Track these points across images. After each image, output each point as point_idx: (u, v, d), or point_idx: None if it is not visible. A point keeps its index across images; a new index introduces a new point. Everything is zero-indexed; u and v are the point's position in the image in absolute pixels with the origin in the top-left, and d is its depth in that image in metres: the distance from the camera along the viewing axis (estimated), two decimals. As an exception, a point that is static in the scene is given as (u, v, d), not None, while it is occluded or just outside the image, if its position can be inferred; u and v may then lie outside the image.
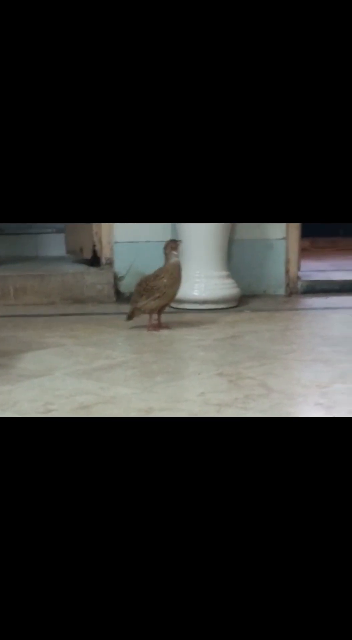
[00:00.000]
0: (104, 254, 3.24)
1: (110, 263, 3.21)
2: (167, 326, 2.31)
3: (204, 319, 2.64)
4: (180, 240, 2.25)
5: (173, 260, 2.21)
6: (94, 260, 3.29)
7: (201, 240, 2.90)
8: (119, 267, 3.21)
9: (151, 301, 2.20)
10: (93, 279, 3.16)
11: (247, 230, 3.25)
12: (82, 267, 3.33)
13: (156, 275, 2.23)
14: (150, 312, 2.29)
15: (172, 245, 2.22)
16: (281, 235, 3.32)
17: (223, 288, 2.90)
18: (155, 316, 2.35)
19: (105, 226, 3.21)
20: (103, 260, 3.24)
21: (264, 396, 1.63)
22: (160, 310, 2.32)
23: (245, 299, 3.08)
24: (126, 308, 2.89)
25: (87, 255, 3.37)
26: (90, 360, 2.00)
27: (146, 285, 2.23)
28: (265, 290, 3.39)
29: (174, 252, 2.22)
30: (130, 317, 2.33)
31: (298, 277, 3.37)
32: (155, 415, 1.47)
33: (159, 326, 2.31)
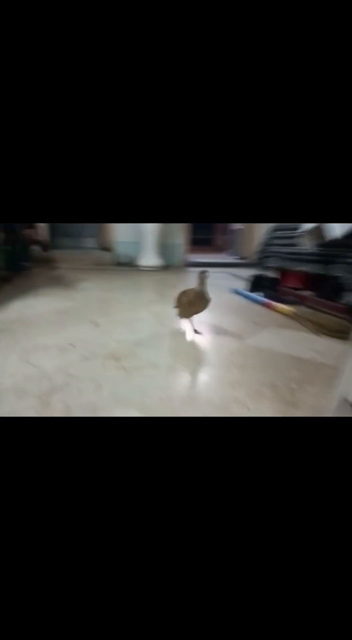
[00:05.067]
0: (112, 246, 3.29)
1: (114, 249, 3.27)
2: (198, 332, 1.27)
3: (152, 273, 2.80)
4: (206, 271, 1.20)
5: (196, 288, 1.20)
6: (108, 249, 3.33)
7: (150, 240, 3.00)
8: (117, 251, 3.26)
9: (178, 308, 1.26)
10: (108, 256, 3.25)
11: (167, 237, 3.27)
12: (103, 252, 3.35)
13: (184, 292, 1.25)
14: (181, 315, 1.27)
15: (200, 275, 1.20)
16: (179, 242, 3.41)
17: (158, 260, 3.05)
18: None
19: (112, 233, 3.24)
20: (111, 249, 3.29)
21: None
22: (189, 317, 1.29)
23: (166, 267, 3.19)
24: (121, 267, 3.07)
25: (105, 246, 3.38)
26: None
27: (178, 296, 1.28)
28: (173, 263, 3.38)
29: (200, 282, 1.20)
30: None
31: (187, 259, 3.46)
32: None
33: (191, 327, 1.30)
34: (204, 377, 0.87)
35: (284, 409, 0.72)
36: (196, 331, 1.30)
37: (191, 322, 1.34)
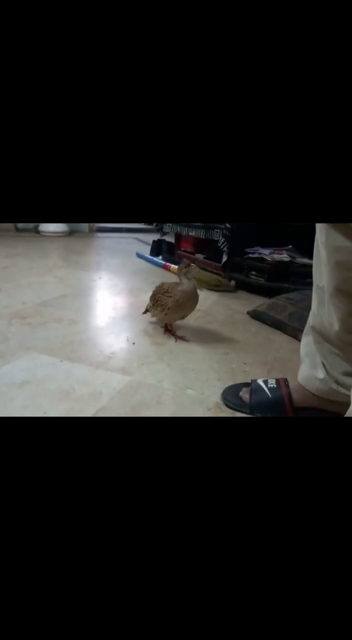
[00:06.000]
0: None
1: None
2: (183, 337, 0.98)
3: (56, 239, 2.73)
4: (189, 263, 0.94)
5: (183, 286, 0.91)
6: None
7: None
8: None
9: (159, 313, 0.95)
10: None
11: None
12: None
13: (166, 291, 0.93)
14: (162, 321, 1.01)
15: (182, 269, 0.93)
16: None
17: (63, 226, 2.97)
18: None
19: None
20: None
21: (87, 265, 2.00)
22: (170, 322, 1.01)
23: (72, 233, 3.15)
24: (21, 233, 2.88)
25: None
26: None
27: (159, 296, 0.95)
28: (80, 229, 3.35)
29: (185, 277, 0.92)
30: (145, 311, 1.05)
31: (94, 224, 3.46)
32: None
33: (170, 333, 1.00)
34: (101, 325, 1.06)
35: (160, 340, 0.96)
36: (178, 337, 0.98)
37: (172, 327, 1.01)
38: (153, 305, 0.98)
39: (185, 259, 0.95)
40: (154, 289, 0.99)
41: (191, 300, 0.93)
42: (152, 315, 1.00)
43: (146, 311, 1.03)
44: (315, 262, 0.58)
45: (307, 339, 0.62)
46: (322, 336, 0.59)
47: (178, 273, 0.95)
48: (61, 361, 0.79)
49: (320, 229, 0.52)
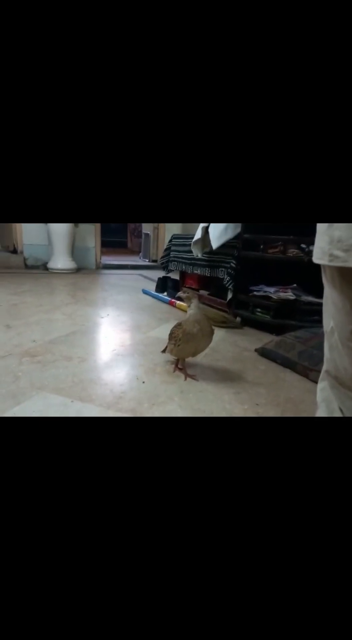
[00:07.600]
0: (19, 248, 3.16)
1: (21, 252, 3.15)
2: (193, 376, 0.97)
3: (64, 276, 2.81)
4: (188, 290, 0.98)
5: (188, 313, 0.93)
6: (15, 251, 3.20)
7: (62, 243, 2.96)
8: (26, 254, 3.15)
9: (172, 346, 0.94)
10: (15, 258, 3.13)
11: (79, 240, 3.29)
12: (9, 254, 3.19)
13: (178, 324, 0.94)
14: (175, 356, 1.00)
15: (183, 295, 0.97)
16: (92, 245, 3.44)
17: (71, 263, 3.04)
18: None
19: (19, 234, 3.11)
20: (19, 251, 3.17)
21: (95, 301, 1.97)
22: (182, 358, 1.01)
23: (79, 270, 3.22)
24: (30, 270, 2.97)
25: (11, 248, 3.24)
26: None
27: (173, 329, 0.95)
28: (87, 266, 3.43)
29: (190, 304, 0.93)
30: (164, 351, 1.05)
31: (100, 261, 3.53)
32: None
33: (179, 370, 1.00)
34: (110, 362, 1.05)
35: (169, 379, 0.95)
36: (188, 375, 0.96)
37: (183, 365, 0.99)
38: (169, 340, 0.97)
39: (184, 287, 0.95)
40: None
41: (199, 326, 0.90)
42: (169, 351, 0.99)
43: (165, 349, 1.02)
44: (324, 308, 0.59)
45: (322, 384, 0.62)
46: (337, 381, 0.58)
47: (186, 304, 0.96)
48: (72, 401, 0.78)
49: (333, 282, 0.53)
